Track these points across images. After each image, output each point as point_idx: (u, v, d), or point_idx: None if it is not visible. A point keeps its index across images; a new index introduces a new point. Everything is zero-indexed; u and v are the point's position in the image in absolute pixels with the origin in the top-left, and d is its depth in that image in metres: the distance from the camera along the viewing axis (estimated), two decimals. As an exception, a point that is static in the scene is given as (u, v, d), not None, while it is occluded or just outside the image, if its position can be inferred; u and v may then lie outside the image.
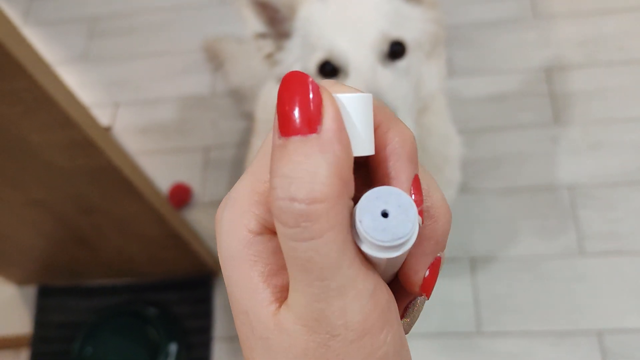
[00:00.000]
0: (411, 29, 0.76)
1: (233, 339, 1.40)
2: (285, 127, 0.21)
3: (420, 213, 0.24)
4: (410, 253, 0.26)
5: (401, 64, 0.73)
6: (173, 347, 1.38)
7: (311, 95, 0.21)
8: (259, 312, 0.24)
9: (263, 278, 0.24)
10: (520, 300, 1.33)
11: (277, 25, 0.80)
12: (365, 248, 0.23)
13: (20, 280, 1.56)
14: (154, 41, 1.91)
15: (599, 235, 1.37)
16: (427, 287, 0.27)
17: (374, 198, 0.22)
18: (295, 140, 0.21)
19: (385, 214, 0.22)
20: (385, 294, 0.24)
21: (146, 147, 1.71)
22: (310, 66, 0.75)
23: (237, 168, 1.60)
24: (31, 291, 1.55)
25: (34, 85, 0.74)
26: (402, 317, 0.29)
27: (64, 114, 0.80)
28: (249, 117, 1.64)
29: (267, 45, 0.82)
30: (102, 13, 1.99)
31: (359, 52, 0.71)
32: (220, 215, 0.26)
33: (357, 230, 0.23)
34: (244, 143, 1.62)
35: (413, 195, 0.24)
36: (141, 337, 1.40)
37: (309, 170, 0.21)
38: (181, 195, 1.59)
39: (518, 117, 1.56)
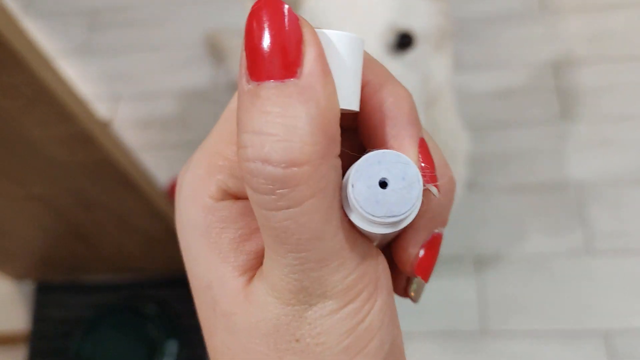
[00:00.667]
0: (419, 20, 0.75)
1: (234, 336, 1.39)
2: (255, 69, 0.17)
3: (434, 181, 0.20)
4: None
5: (409, 56, 0.72)
6: (173, 344, 1.37)
7: (288, 28, 0.17)
8: (227, 283, 0.21)
9: (234, 245, 0.22)
10: (527, 300, 1.32)
11: None
12: (353, 217, 0.20)
13: (19, 276, 1.55)
14: (155, 34, 1.89)
15: (607, 234, 1.36)
16: (423, 269, 0.23)
17: (375, 162, 0.19)
18: (269, 86, 0.17)
19: (383, 184, 0.19)
20: (376, 264, 0.21)
21: (147, 141, 1.70)
22: None
23: (238, 163, 1.59)
24: (29, 287, 1.54)
25: (33, 79, 0.73)
26: (401, 292, 0.25)
27: (64, 108, 0.80)
28: (251, 112, 1.62)
29: None
30: (102, 5, 1.97)
31: (366, 43, 0.69)
32: (181, 180, 0.23)
33: (347, 195, 0.19)
34: (246, 138, 1.61)
35: (422, 164, 0.20)
36: (140, 334, 1.39)
37: (286, 125, 0.17)
38: (182, 191, 1.58)
39: (525, 113, 1.54)
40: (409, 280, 0.25)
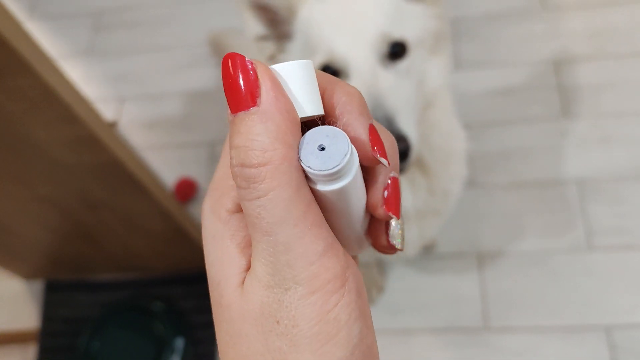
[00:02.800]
0: (413, 26, 0.75)
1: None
2: (231, 105, 0.23)
3: (384, 156, 0.25)
4: (365, 183, 0.27)
5: (402, 64, 0.72)
6: (179, 342, 1.38)
7: (248, 72, 0.23)
8: (230, 279, 0.26)
9: (240, 249, 0.27)
10: (528, 296, 1.33)
11: (278, 26, 0.79)
12: (315, 186, 0.25)
13: (27, 275, 1.57)
14: (159, 35, 1.90)
15: (607, 230, 1.36)
16: (390, 206, 0.27)
17: (310, 138, 0.24)
18: (240, 115, 0.23)
19: (322, 148, 0.24)
20: (341, 260, 0.25)
21: (152, 142, 1.71)
22: None
23: (243, 162, 1.60)
24: (38, 286, 1.56)
25: (38, 81, 0.73)
26: (388, 243, 0.29)
27: (69, 110, 0.80)
28: (254, 111, 1.63)
29: (269, 47, 0.81)
30: (107, 7, 1.98)
31: (358, 54, 0.70)
32: (204, 205, 0.29)
33: (305, 171, 0.24)
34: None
35: (375, 147, 0.25)
36: (147, 332, 1.40)
37: (253, 139, 0.23)
38: (187, 190, 1.59)
39: (526, 110, 1.55)
40: (387, 228, 0.29)
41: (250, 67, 0.23)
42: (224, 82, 0.23)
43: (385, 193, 0.27)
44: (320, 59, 0.72)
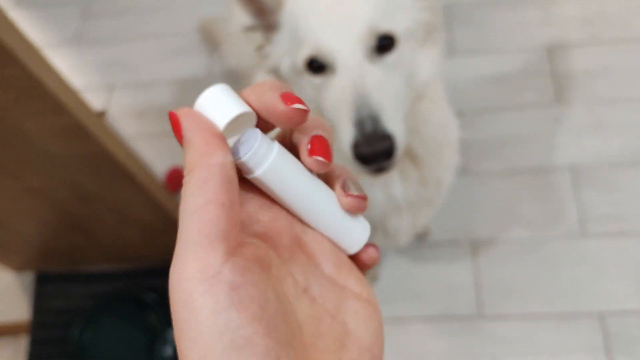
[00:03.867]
0: (403, 18, 0.73)
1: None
2: (178, 140, 0.30)
3: (294, 102, 0.30)
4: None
5: (390, 58, 0.71)
6: (172, 332, 1.38)
7: (175, 121, 0.30)
8: None
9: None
10: (522, 283, 1.33)
11: (265, 17, 0.77)
12: (250, 175, 0.30)
13: (19, 267, 1.56)
14: (149, 22, 1.88)
15: (601, 217, 1.37)
16: (315, 150, 0.30)
17: (241, 139, 0.30)
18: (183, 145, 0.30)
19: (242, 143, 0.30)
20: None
21: (142, 131, 1.69)
22: (298, 62, 0.73)
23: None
24: (29, 277, 1.55)
25: (24, 71, 0.72)
26: (348, 197, 0.31)
27: (56, 100, 0.79)
28: (246, 100, 1.62)
29: (257, 38, 0.80)
30: (95, -7, 1.95)
31: (345, 48, 0.68)
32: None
33: (237, 164, 0.29)
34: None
35: (286, 102, 0.29)
36: (140, 323, 1.40)
37: (187, 156, 0.29)
38: (178, 180, 1.58)
39: (520, 97, 1.54)
40: (343, 185, 0.32)
41: (174, 116, 0.30)
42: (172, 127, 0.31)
43: (309, 146, 0.30)
44: (307, 52, 0.71)
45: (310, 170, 0.31)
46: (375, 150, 0.64)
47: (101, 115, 1.63)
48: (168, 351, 1.36)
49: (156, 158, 1.64)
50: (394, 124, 0.66)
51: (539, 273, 1.33)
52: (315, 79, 0.72)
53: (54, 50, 1.86)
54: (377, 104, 0.66)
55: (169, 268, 0.29)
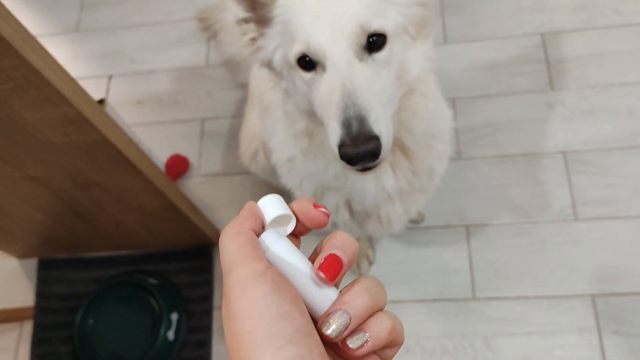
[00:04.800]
0: (395, 14, 0.73)
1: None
2: None
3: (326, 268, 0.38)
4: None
5: (380, 55, 0.70)
6: (174, 316, 1.40)
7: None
8: None
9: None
10: (515, 266, 1.35)
11: (258, 10, 0.78)
12: (266, 251, 0.39)
13: (21, 255, 1.58)
14: (147, 11, 1.89)
15: (593, 201, 1.38)
16: (322, 267, 0.38)
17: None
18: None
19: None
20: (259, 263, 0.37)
21: (141, 119, 1.71)
22: (289, 57, 0.73)
23: (232, 138, 1.60)
24: (32, 264, 1.57)
25: (22, 62, 0.73)
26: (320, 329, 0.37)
27: (55, 90, 0.79)
28: (243, 87, 1.63)
29: (250, 30, 0.80)
30: (92, -18, 1.96)
31: (335, 46, 0.68)
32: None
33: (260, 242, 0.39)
34: (239, 114, 1.62)
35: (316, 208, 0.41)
36: (142, 307, 1.42)
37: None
38: (178, 167, 1.60)
39: (513, 83, 1.55)
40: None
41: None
42: None
43: (322, 260, 0.38)
44: (298, 48, 0.71)
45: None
46: (360, 152, 0.64)
47: (100, 104, 1.64)
48: (170, 334, 1.38)
49: (155, 146, 1.66)
50: (381, 124, 0.66)
51: (531, 256, 1.35)
52: (306, 75, 0.73)
53: (52, 40, 1.87)
54: (364, 103, 0.66)
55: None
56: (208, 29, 1.76)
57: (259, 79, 1.17)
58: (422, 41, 0.78)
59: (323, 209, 0.41)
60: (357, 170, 0.70)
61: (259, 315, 0.34)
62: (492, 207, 1.42)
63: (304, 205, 0.41)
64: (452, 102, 1.54)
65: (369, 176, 0.85)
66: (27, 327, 1.50)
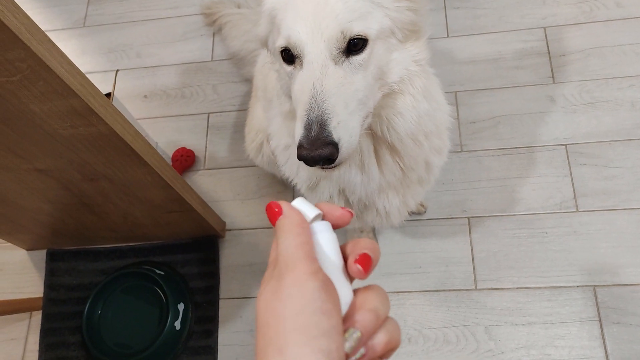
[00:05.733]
0: (381, 17, 0.74)
1: (238, 297, 1.45)
2: (271, 221, 0.46)
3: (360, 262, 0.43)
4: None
5: (358, 58, 0.71)
6: (181, 307, 1.42)
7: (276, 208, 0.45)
8: None
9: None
10: (517, 257, 1.36)
11: None
12: (313, 235, 0.44)
13: (30, 246, 1.60)
14: (153, 6, 1.90)
15: (594, 193, 1.39)
16: (359, 261, 0.43)
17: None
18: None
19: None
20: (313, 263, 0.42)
21: (148, 113, 1.73)
22: (275, 48, 0.75)
23: (238, 132, 1.62)
24: (41, 256, 1.60)
25: (29, 54, 0.74)
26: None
27: (63, 82, 0.80)
28: (248, 81, 1.65)
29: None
30: (99, -22, 1.98)
31: (314, 46, 0.70)
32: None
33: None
34: (244, 107, 1.64)
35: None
36: (150, 298, 1.44)
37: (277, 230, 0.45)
38: (184, 160, 1.62)
39: (515, 76, 1.56)
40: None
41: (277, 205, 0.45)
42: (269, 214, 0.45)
43: (357, 256, 0.43)
44: (281, 42, 0.73)
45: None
46: (314, 156, 0.66)
47: (107, 97, 1.65)
48: (177, 324, 1.40)
49: (161, 139, 1.68)
50: (343, 130, 0.67)
51: (533, 247, 1.36)
52: (287, 68, 0.75)
53: (59, 35, 1.89)
54: (329, 108, 0.67)
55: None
56: (213, 23, 1.77)
57: (264, 73, 1.19)
58: (412, 43, 0.78)
59: (348, 209, 0.46)
60: (322, 168, 0.72)
61: (305, 305, 0.38)
62: (494, 199, 1.43)
63: (330, 205, 0.46)
64: (454, 95, 1.55)
65: (334, 172, 0.85)
66: (37, 318, 1.53)
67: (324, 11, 0.70)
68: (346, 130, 0.68)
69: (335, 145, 0.66)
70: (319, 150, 0.66)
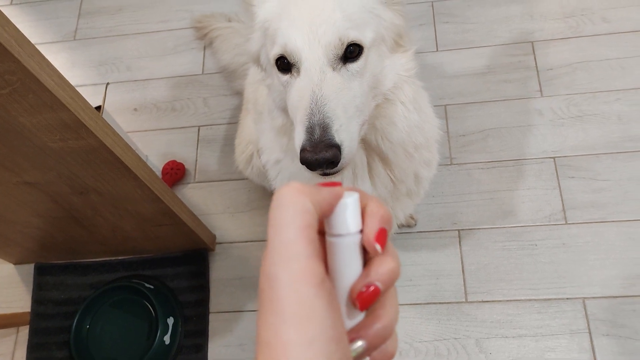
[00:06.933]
0: (376, 25, 0.75)
1: (228, 311, 1.44)
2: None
3: (380, 243, 0.37)
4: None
5: (354, 65, 0.72)
6: (170, 321, 1.41)
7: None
8: None
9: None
10: (507, 269, 1.37)
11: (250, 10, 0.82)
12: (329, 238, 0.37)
13: (18, 260, 1.58)
14: (143, 20, 1.91)
15: (582, 205, 1.40)
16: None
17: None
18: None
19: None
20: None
21: (138, 126, 1.73)
22: (270, 57, 0.76)
23: (228, 145, 1.62)
24: (29, 270, 1.58)
25: (19, 67, 0.74)
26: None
27: (53, 95, 0.80)
28: (239, 94, 1.65)
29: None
30: (90, -9, 1.98)
31: (311, 53, 0.70)
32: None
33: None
34: (234, 120, 1.64)
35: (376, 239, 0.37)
36: (139, 312, 1.43)
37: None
38: (175, 173, 1.61)
39: (503, 90, 1.57)
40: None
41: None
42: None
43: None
44: (277, 50, 0.73)
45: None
46: (319, 158, 0.66)
47: (97, 110, 1.65)
48: (166, 338, 1.39)
49: (152, 152, 1.67)
50: (345, 133, 0.68)
51: (522, 259, 1.37)
52: (283, 77, 0.75)
53: (50, 48, 1.89)
54: (330, 112, 0.68)
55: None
56: (204, 37, 1.78)
57: (254, 86, 1.19)
58: (402, 54, 0.80)
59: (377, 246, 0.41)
60: (318, 174, 0.72)
61: (315, 335, 0.31)
62: (484, 212, 1.43)
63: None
64: (444, 109, 1.57)
65: (350, 177, 0.87)
66: (24, 333, 1.51)
67: (321, 18, 0.71)
68: (347, 134, 0.69)
69: (338, 148, 0.67)
70: (323, 152, 0.66)
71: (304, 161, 0.67)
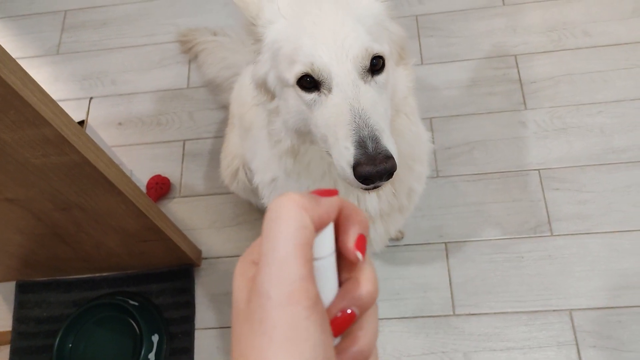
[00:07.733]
0: (387, 37, 0.76)
1: (214, 328, 1.42)
2: None
3: (361, 251, 0.35)
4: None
5: (380, 77, 0.72)
6: (155, 338, 1.39)
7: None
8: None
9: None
10: (494, 282, 1.37)
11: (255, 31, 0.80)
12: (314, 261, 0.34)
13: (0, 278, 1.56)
14: (128, 33, 1.90)
15: (568, 217, 1.41)
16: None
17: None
18: None
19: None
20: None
21: (123, 141, 1.71)
22: (288, 78, 0.74)
23: (214, 159, 1.61)
24: (10, 288, 1.55)
25: (1, 83, 0.73)
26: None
27: (35, 111, 0.79)
28: (225, 108, 1.65)
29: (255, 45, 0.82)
30: (74, 5, 1.97)
31: (340, 68, 0.69)
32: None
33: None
34: (220, 134, 1.63)
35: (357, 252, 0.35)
36: (123, 329, 1.40)
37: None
38: (159, 188, 1.60)
39: (488, 103, 1.59)
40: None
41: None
42: None
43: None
44: (300, 68, 0.71)
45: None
46: (380, 170, 0.65)
47: (80, 126, 1.63)
48: (151, 356, 1.36)
49: (136, 167, 1.66)
50: (391, 145, 0.67)
51: (509, 271, 1.37)
52: (307, 96, 0.73)
53: (33, 62, 1.87)
54: (375, 124, 0.67)
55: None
56: (189, 51, 1.78)
57: (240, 100, 1.19)
58: (404, 66, 0.81)
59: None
60: (365, 189, 0.71)
61: (301, 344, 0.30)
62: (470, 224, 1.44)
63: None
64: (430, 122, 1.57)
65: (372, 194, 0.86)
66: (4, 353, 1.48)
67: (344, 32, 0.70)
68: (393, 145, 0.68)
69: (393, 159, 0.66)
70: (382, 164, 0.65)
71: (361, 175, 0.66)
